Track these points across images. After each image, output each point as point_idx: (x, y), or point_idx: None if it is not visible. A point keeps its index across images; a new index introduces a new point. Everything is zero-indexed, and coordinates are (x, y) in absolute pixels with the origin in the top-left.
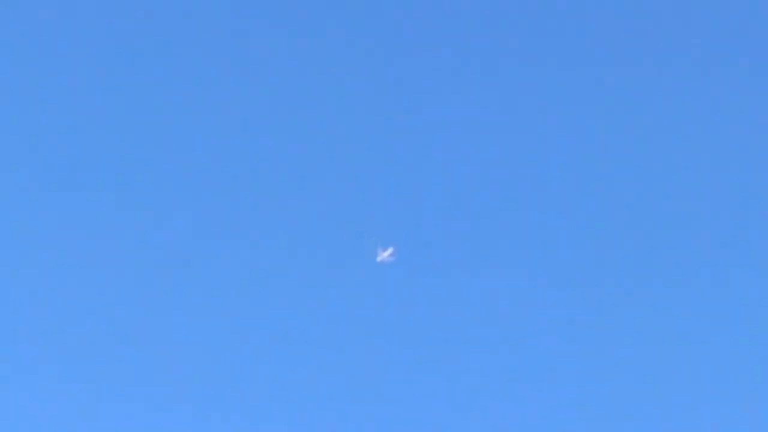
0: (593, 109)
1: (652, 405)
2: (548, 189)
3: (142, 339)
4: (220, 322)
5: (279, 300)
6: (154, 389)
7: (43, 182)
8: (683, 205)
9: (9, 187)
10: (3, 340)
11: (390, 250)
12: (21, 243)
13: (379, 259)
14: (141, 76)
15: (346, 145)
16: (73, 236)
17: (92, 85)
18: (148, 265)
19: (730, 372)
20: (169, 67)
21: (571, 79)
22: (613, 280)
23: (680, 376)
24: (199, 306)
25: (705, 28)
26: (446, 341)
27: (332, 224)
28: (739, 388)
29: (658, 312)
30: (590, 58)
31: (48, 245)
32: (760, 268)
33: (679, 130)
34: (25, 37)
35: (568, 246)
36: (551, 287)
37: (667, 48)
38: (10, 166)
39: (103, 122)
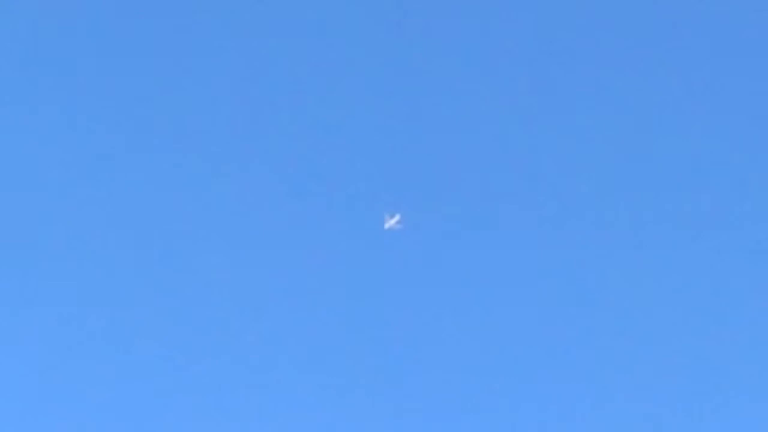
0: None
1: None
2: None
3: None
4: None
5: (283, 268)
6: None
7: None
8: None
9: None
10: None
11: (397, 218)
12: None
13: (386, 226)
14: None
15: (356, 111)
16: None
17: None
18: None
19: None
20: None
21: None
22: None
23: (684, 376)
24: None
25: (705, 28)
26: (455, 310)
27: (338, 192)
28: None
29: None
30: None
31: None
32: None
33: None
34: (24, 36)
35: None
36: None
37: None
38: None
39: (102, 121)
